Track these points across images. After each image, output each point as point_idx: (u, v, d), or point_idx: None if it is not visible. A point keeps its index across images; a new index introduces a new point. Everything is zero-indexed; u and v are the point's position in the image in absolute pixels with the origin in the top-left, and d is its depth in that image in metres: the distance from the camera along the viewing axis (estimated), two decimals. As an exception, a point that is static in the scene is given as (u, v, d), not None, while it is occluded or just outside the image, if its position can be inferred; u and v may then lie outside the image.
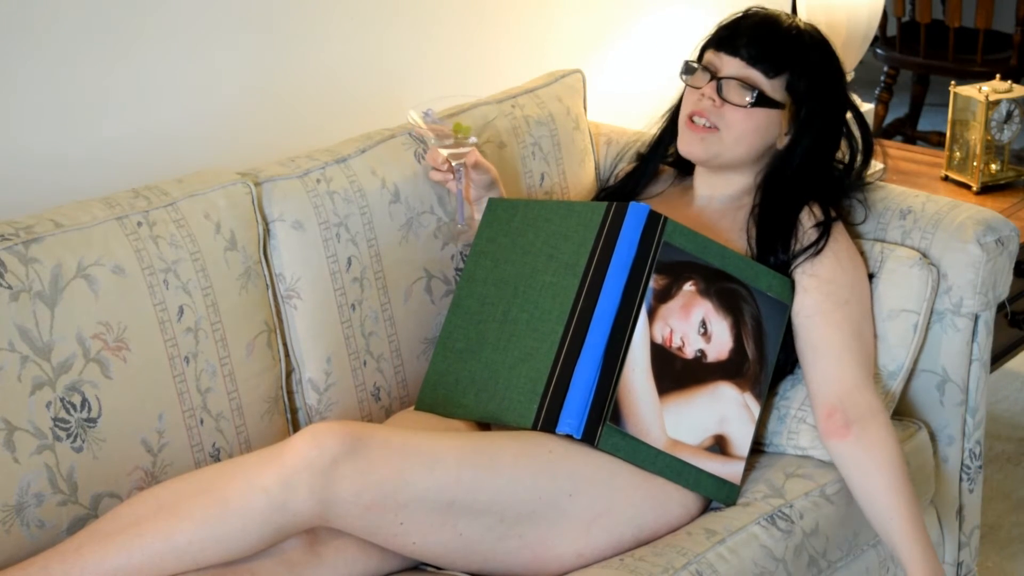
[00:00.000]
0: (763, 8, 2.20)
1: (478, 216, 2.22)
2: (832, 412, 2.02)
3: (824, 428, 2.02)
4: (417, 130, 2.21)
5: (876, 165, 3.03)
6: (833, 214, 2.15)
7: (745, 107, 2.10)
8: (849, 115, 2.22)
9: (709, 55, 2.17)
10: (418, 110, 2.18)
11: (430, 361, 2.14)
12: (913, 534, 1.95)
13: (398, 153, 2.23)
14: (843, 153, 2.23)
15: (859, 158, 2.23)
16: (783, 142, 2.16)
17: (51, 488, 1.81)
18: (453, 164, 2.16)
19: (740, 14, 2.19)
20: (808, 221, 2.13)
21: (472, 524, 1.82)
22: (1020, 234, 2.31)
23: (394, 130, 2.27)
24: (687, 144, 2.16)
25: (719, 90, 2.12)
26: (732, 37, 2.14)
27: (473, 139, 2.16)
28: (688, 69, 2.19)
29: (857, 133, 2.24)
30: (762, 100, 2.10)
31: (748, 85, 2.11)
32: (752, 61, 2.11)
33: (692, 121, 2.15)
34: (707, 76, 2.14)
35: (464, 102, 2.34)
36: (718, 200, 2.21)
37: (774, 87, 2.12)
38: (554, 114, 2.45)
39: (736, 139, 2.13)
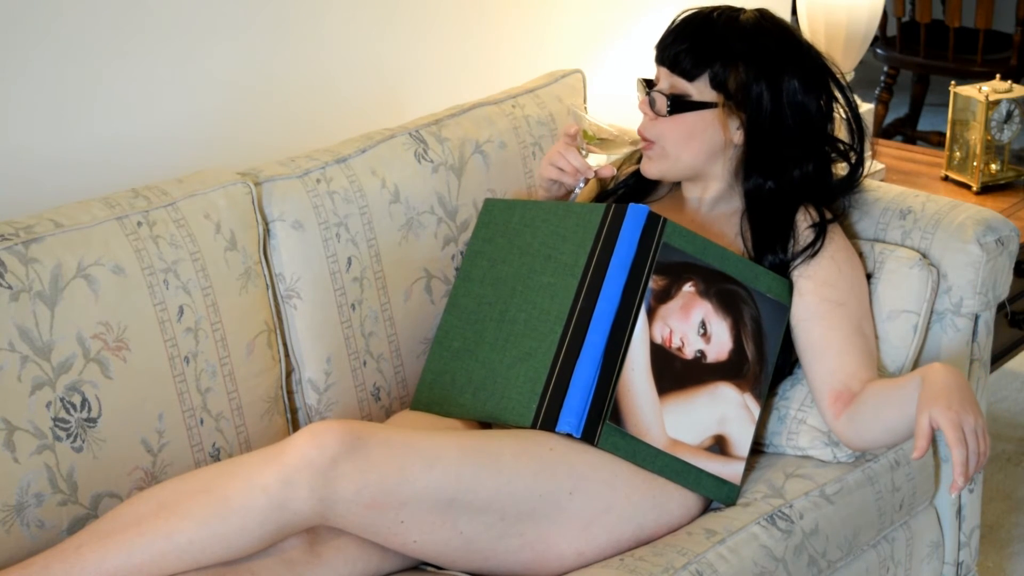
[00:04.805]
0: (696, 8, 2.15)
1: None
2: (839, 395, 2.02)
3: (832, 411, 2.02)
4: (579, 133, 2.17)
5: (876, 165, 3.03)
6: (828, 215, 2.14)
7: (665, 116, 2.09)
8: (842, 99, 2.16)
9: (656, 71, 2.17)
10: (577, 110, 2.18)
11: (426, 360, 2.14)
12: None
13: (398, 153, 2.23)
14: (843, 145, 2.18)
15: (852, 157, 2.19)
16: (738, 137, 2.11)
17: (51, 488, 1.81)
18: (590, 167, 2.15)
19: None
20: (804, 222, 2.12)
21: (472, 522, 1.82)
22: (1020, 234, 2.31)
23: (394, 130, 2.27)
24: (642, 163, 2.17)
25: (651, 105, 2.11)
26: (660, 47, 2.13)
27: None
28: (638, 88, 2.17)
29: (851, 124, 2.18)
30: (680, 105, 2.08)
31: (670, 94, 2.09)
32: (672, 68, 2.10)
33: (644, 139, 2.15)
34: (643, 93, 2.14)
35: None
36: (707, 203, 2.19)
37: (699, 88, 2.08)
38: (554, 114, 2.44)
39: (674, 148, 2.11)
